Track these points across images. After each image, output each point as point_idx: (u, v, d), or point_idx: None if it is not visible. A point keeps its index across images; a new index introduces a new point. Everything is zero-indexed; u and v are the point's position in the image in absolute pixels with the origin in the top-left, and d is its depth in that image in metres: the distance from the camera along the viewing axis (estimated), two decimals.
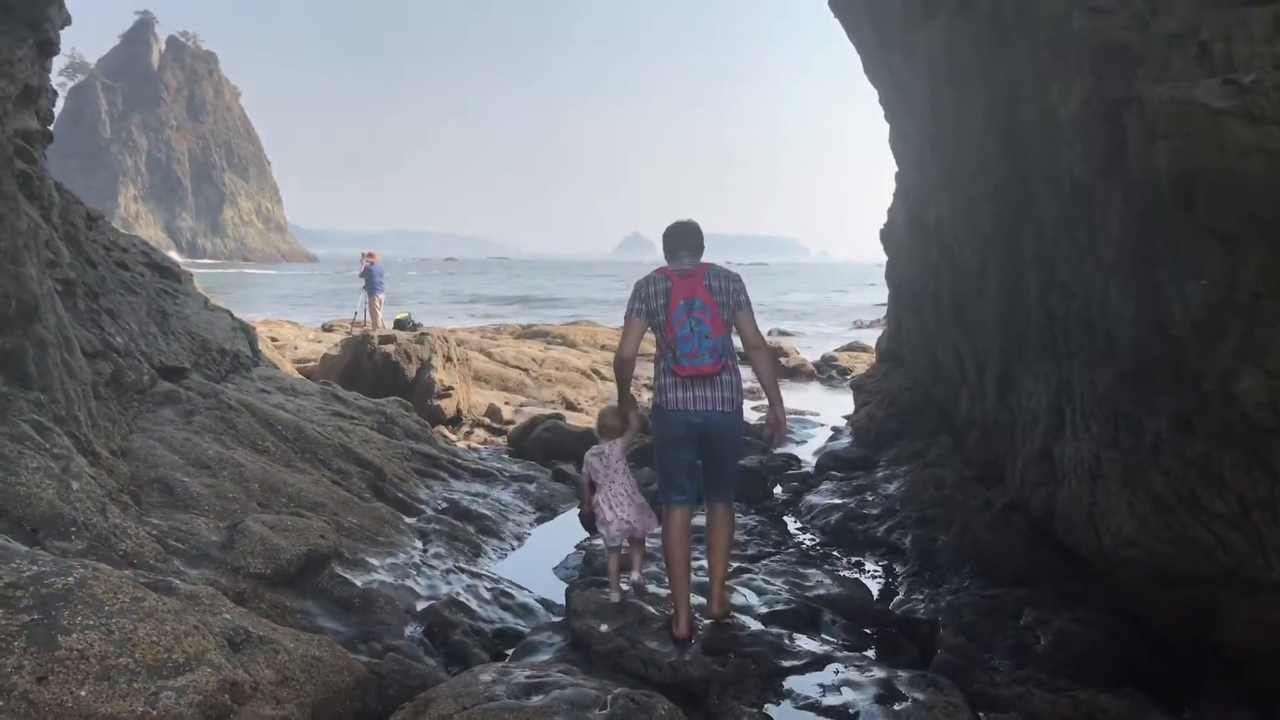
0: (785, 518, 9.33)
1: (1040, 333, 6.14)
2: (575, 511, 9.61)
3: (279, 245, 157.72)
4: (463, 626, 6.03)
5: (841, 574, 7.38)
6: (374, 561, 6.57)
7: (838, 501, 9.37)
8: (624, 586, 5.71)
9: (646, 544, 5.97)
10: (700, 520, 5.68)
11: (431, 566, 6.89)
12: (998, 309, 6.96)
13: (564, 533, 8.95)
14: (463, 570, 6.97)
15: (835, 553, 8.16)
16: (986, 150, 6.29)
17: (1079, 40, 4.25)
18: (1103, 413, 4.90)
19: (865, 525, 8.61)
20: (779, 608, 5.81)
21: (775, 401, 5.35)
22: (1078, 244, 4.89)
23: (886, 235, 12.01)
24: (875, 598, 6.84)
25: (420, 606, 6.20)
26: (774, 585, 6.29)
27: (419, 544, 7.37)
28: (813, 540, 8.55)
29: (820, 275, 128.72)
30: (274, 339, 19.75)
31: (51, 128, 8.22)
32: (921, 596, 6.76)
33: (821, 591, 6.32)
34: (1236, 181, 3.41)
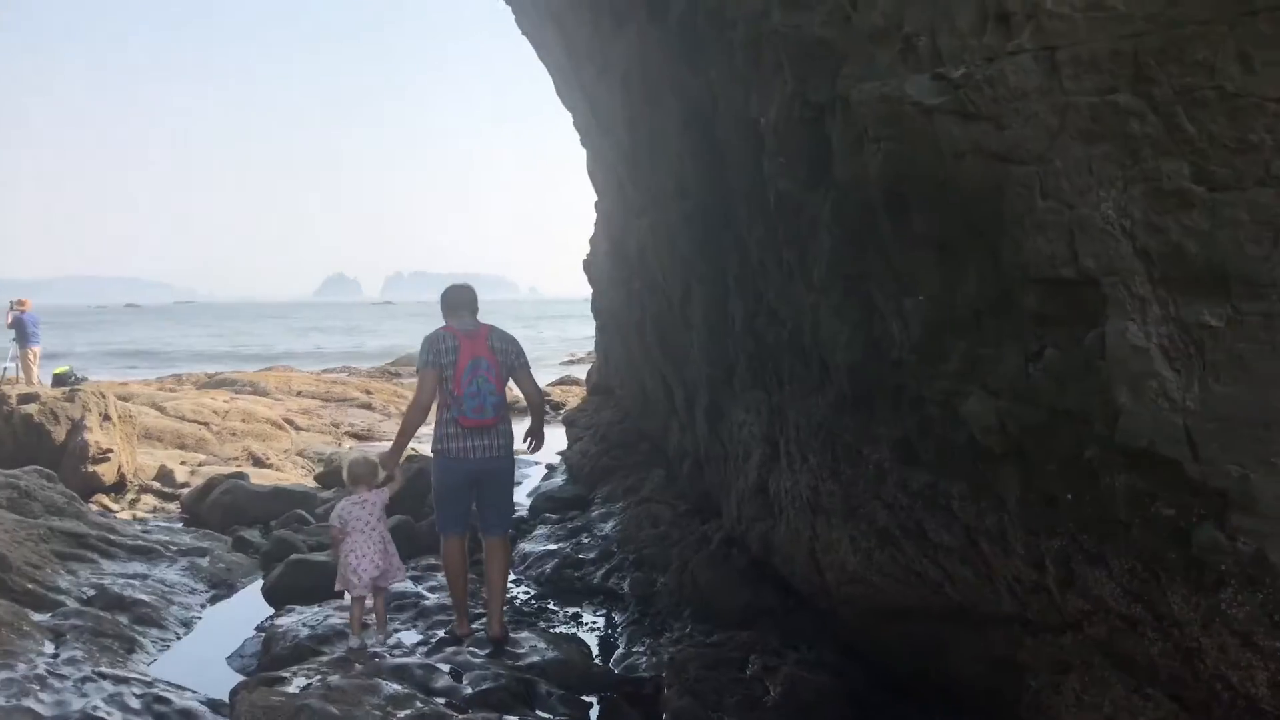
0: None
1: (749, 360, 5.85)
2: (258, 585, 8.44)
3: None
4: None
5: (557, 630, 6.78)
6: None
7: (553, 547, 8.79)
8: (362, 640, 5.99)
9: (389, 592, 6.40)
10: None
11: (63, 676, 5.59)
12: (704, 337, 6.66)
13: (242, 612, 7.78)
14: (105, 675, 5.73)
15: (551, 605, 7.55)
16: (684, 169, 5.96)
17: (777, 39, 3.92)
18: (819, 443, 4.59)
19: (582, 571, 8.08)
20: (486, 686, 5.10)
21: (537, 419, 6.30)
22: (785, 265, 4.58)
23: (589, 266, 11.68)
24: (595, 656, 6.28)
25: None
26: (479, 658, 5.57)
27: (49, 648, 6.04)
28: (527, 594, 7.90)
29: (530, 311, 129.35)
30: None
31: None
32: (643, 648, 6.27)
33: (535, 659, 5.66)
34: (951, 185, 3.11)
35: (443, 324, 6.03)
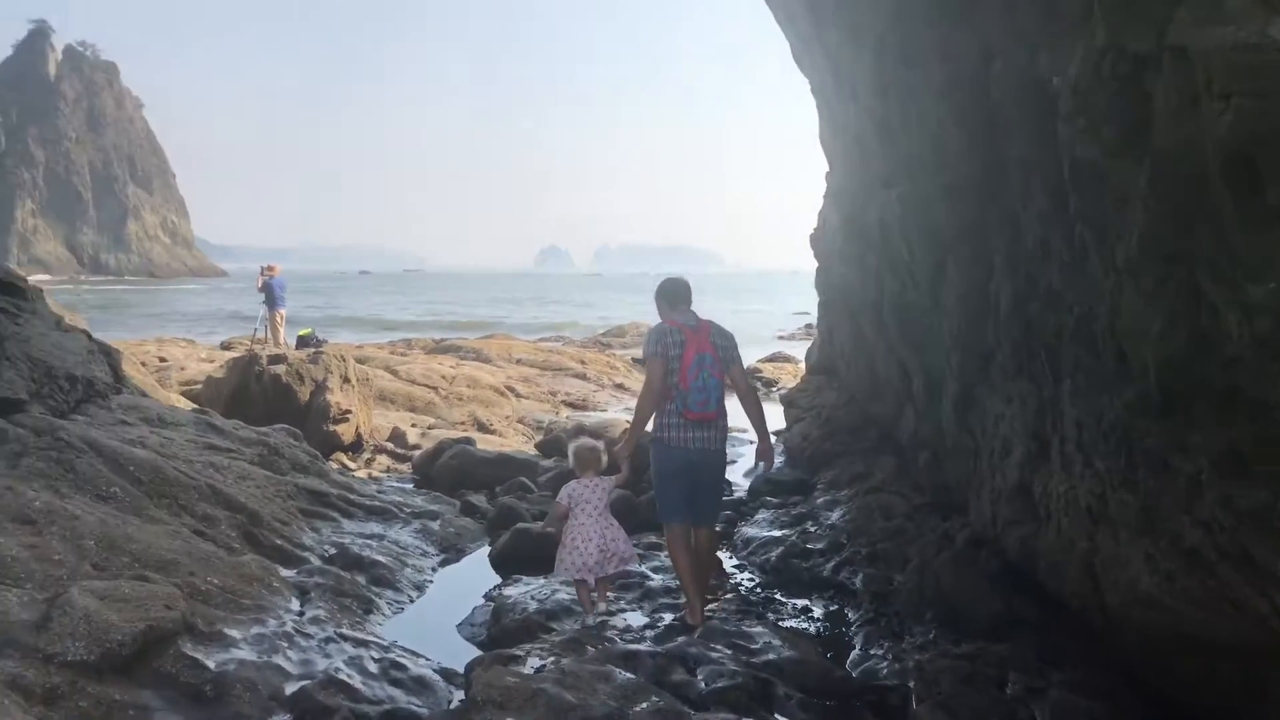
0: (720, 554, 8.40)
1: (1014, 348, 5.31)
2: (485, 551, 8.56)
3: (186, 260, 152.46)
4: (342, 713, 4.95)
5: (787, 625, 6.49)
6: (235, 634, 5.44)
7: (778, 533, 8.48)
8: (595, 616, 6.16)
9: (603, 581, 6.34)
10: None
11: (308, 635, 5.77)
12: (957, 321, 6.14)
13: (471, 578, 7.89)
14: (346, 637, 5.87)
15: (779, 595, 7.25)
16: (945, 138, 5.45)
17: None
18: (1110, 446, 4.05)
19: (810, 562, 7.73)
20: (722, 684, 4.86)
21: (764, 436, 6.41)
22: (1077, 243, 4.05)
23: (816, 240, 11.21)
24: (828, 654, 5.94)
25: (290, 689, 5.09)
26: (716, 652, 5.33)
27: (295, 605, 6.25)
28: (752, 580, 7.64)
29: (739, 285, 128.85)
30: (162, 359, 18.33)
31: None
32: (881, 651, 5.87)
33: (771, 656, 5.37)
34: None
35: (664, 319, 6.25)
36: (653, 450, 6.19)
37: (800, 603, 7.11)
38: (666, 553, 6.64)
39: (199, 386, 13.84)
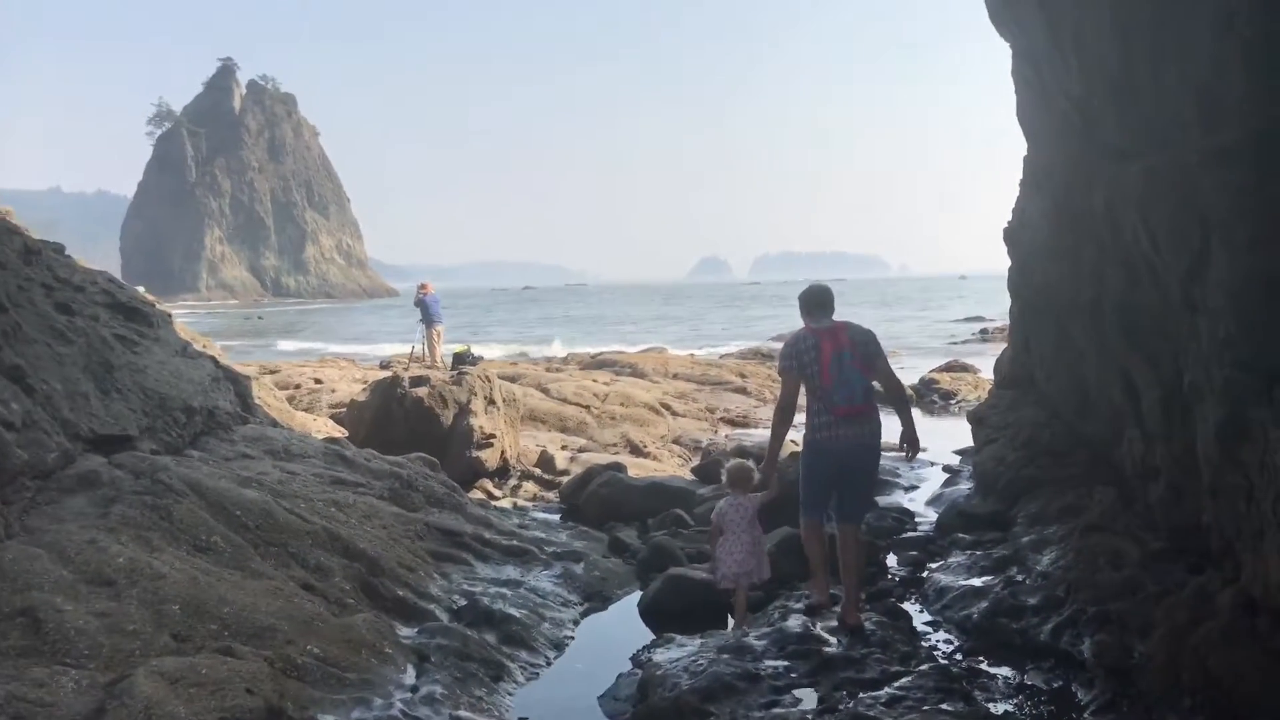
0: (907, 605, 7.13)
1: None
2: (634, 598, 7.55)
3: (360, 280, 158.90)
4: None
5: (1000, 709, 5.20)
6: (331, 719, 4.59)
7: (978, 583, 7.12)
8: (743, 629, 6.20)
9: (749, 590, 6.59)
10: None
11: None
12: (1228, 326, 4.73)
13: (618, 634, 6.89)
14: None
15: (985, 665, 5.96)
16: (1221, 86, 4.10)
17: None
18: None
19: (1022, 621, 6.38)
20: None
21: (908, 422, 6.30)
22: None
23: (1013, 235, 9.75)
24: None
25: None
26: None
27: (410, 676, 5.36)
28: (950, 643, 6.35)
29: (903, 290, 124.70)
30: (318, 381, 18.16)
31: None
32: None
33: None
34: None
35: (802, 325, 6.29)
36: (803, 453, 6.25)
37: (1012, 674, 5.81)
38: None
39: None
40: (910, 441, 6.27)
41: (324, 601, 5.81)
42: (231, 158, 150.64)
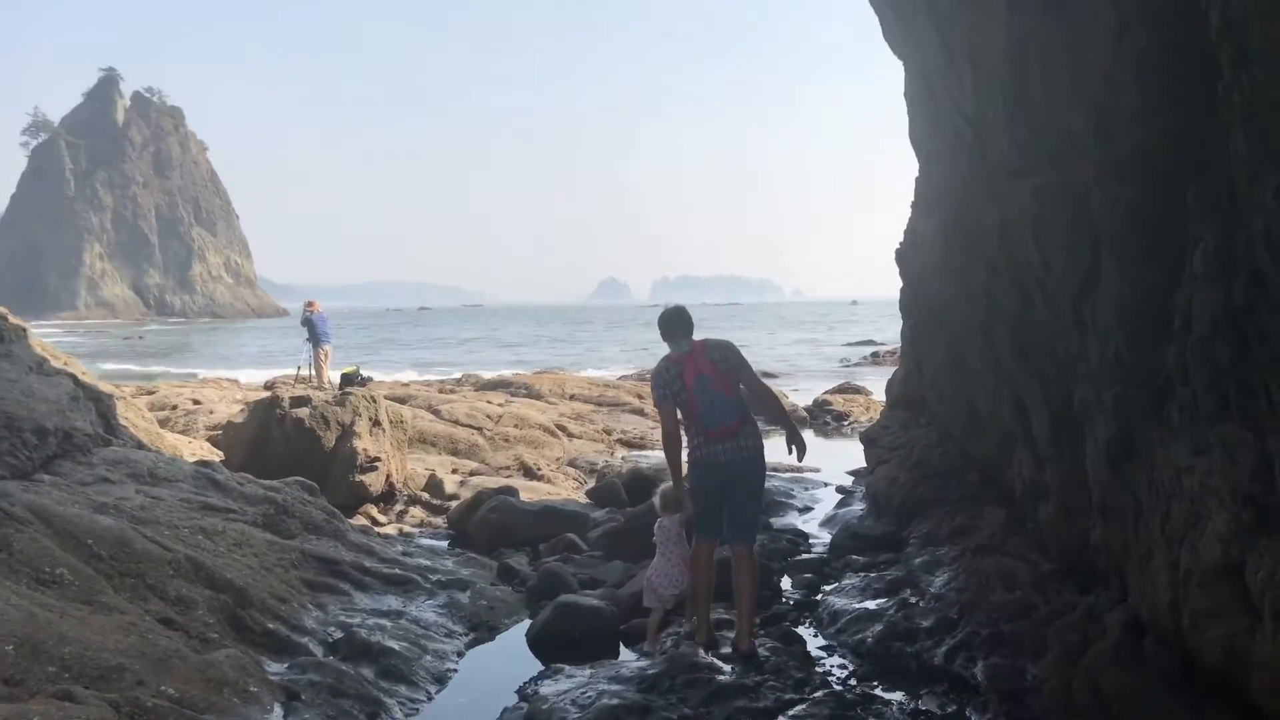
0: (802, 629, 7.00)
1: (1214, 379, 3.90)
2: (523, 627, 7.25)
3: (249, 299, 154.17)
4: None
5: None
6: None
7: (872, 605, 7.04)
8: (666, 642, 6.36)
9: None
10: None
11: None
12: (1116, 343, 4.72)
13: (504, 666, 6.57)
14: None
15: (880, 690, 5.84)
16: (1115, 99, 4.07)
17: None
18: None
19: (917, 645, 6.30)
20: None
21: (789, 426, 6.47)
22: None
23: (904, 255, 9.81)
24: None
25: None
26: None
27: (278, 713, 4.98)
28: (845, 669, 6.23)
29: (800, 314, 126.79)
30: (196, 401, 17.35)
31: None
32: None
33: None
34: None
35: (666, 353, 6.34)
36: (689, 472, 6.22)
37: (907, 701, 5.69)
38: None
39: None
40: (795, 443, 6.28)
41: (184, 637, 5.37)
42: (114, 171, 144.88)
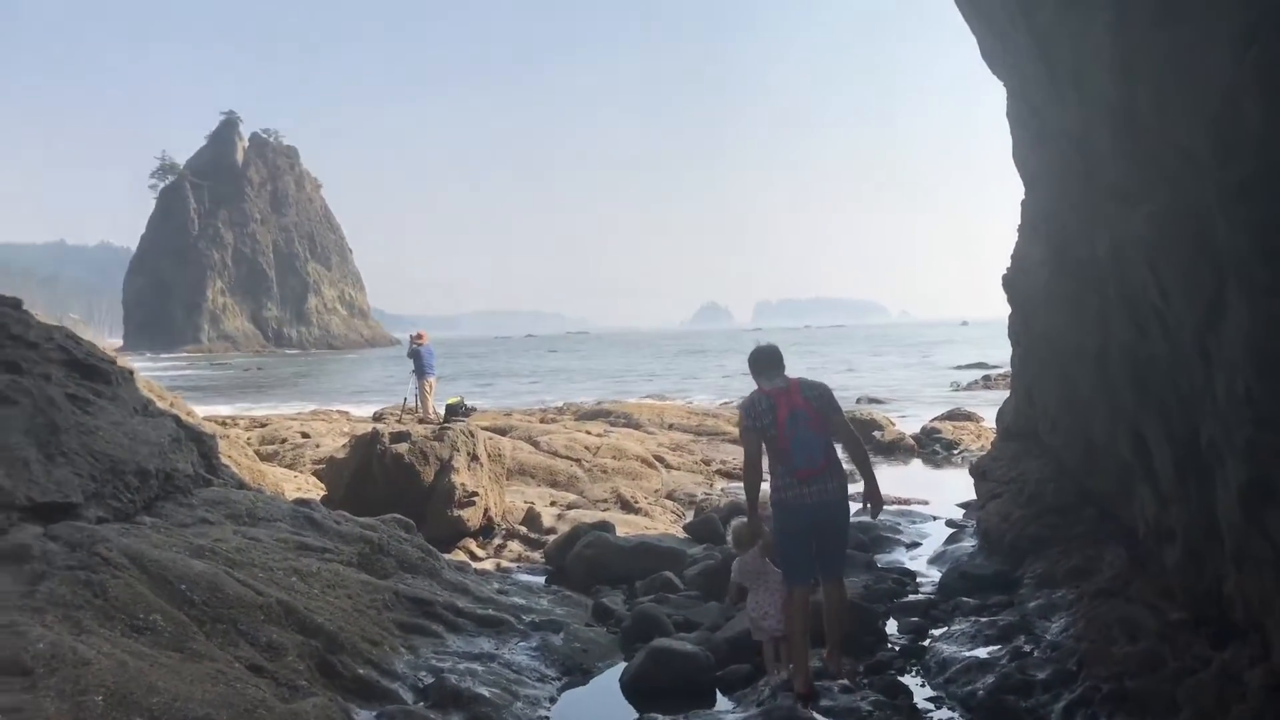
0: (908, 678, 6.65)
1: None
2: (617, 671, 7.07)
3: (362, 330, 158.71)
4: None
5: None
6: None
7: (983, 654, 6.64)
8: (764, 691, 6.12)
9: None
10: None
11: None
12: (1249, 382, 4.32)
13: (596, 714, 6.41)
14: None
15: None
16: (1238, 117, 3.73)
17: None
18: None
19: (1032, 699, 5.90)
20: None
21: (868, 477, 6.27)
22: None
23: (1011, 281, 9.38)
24: None
25: None
26: None
27: None
28: None
29: (903, 334, 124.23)
30: (304, 434, 17.73)
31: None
32: None
33: None
34: None
35: (758, 387, 6.27)
36: (774, 514, 6.15)
37: None
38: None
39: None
40: (872, 498, 6.25)
41: (273, 685, 5.34)
42: (234, 210, 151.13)
